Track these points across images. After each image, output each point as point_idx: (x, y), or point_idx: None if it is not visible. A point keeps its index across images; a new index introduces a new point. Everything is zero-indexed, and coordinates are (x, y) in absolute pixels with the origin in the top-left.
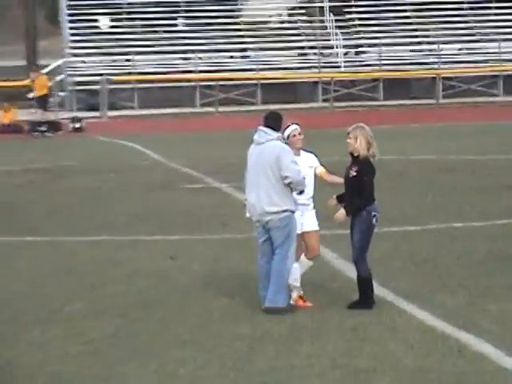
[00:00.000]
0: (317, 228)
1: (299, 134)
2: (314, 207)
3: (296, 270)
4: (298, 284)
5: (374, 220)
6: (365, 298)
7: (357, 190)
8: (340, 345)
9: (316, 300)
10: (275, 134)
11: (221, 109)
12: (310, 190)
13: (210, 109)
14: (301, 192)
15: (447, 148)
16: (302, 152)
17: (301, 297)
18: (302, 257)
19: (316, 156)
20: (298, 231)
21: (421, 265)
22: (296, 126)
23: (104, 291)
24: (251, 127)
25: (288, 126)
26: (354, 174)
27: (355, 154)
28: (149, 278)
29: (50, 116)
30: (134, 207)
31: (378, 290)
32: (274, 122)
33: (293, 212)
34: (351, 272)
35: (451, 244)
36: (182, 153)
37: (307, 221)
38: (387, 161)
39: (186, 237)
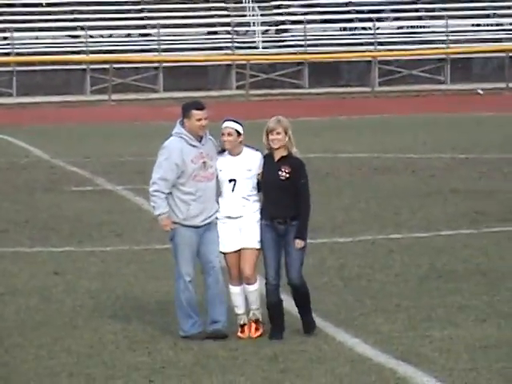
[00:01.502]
0: (253, 245)
1: (228, 134)
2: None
3: (235, 296)
4: (240, 311)
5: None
6: (310, 318)
7: (292, 196)
8: (256, 377)
9: (229, 325)
10: (175, 130)
11: (115, 96)
12: (245, 197)
13: (103, 96)
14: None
15: (383, 145)
16: (245, 150)
17: (242, 325)
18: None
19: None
20: (231, 249)
21: (352, 282)
22: (226, 124)
23: None
24: (152, 119)
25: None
26: (287, 175)
27: (284, 153)
28: (29, 296)
29: None
30: (11, 213)
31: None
32: (181, 113)
33: (182, 225)
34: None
35: (387, 258)
36: (68, 148)
37: (243, 236)
38: (313, 159)
39: (72, 248)
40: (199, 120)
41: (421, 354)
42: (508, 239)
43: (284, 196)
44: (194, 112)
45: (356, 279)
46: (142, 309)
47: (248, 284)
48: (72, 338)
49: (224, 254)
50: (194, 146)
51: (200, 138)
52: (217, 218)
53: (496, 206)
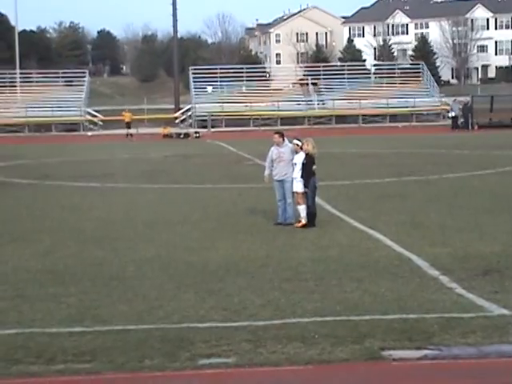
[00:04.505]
0: (300, 190)
1: (297, 145)
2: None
3: (299, 210)
4: (302, 214)
5: (316, 185)
6: (311, 223)
7: (306, 171)
8: (313, 234)
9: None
10: None
11: (262, 128)
12: (297, 170)
13: (257, 128)
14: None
15: (362, 146)
16: (300, 153)
17: (299, 221)
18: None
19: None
20: (297, 190)
21: (350, 198)
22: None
23: (214, 210)
24: (270, 137)
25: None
26: (304, 161)
27: (306, 152)
28: (228, 203)
29: (185, 129)
30: (222, 173)
31: (329, 208)
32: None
33: (274, 179)
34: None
35: (364, 190)
36: (245, 148)
37: (297, 186)
38: (335, 153)
39: (245, 185)
40: (273, 138)
41: (378, 226)
42: (407, 184)
43: (302, 171)
44: (274, 134)
45: (352, 197)
46: (270, 209)
47: (299, 205)
48: (242, 218)
49: (296, 192)
50: (276, 148)
51: (280, 145)
52: (293, 178)
53: (406, 170)
